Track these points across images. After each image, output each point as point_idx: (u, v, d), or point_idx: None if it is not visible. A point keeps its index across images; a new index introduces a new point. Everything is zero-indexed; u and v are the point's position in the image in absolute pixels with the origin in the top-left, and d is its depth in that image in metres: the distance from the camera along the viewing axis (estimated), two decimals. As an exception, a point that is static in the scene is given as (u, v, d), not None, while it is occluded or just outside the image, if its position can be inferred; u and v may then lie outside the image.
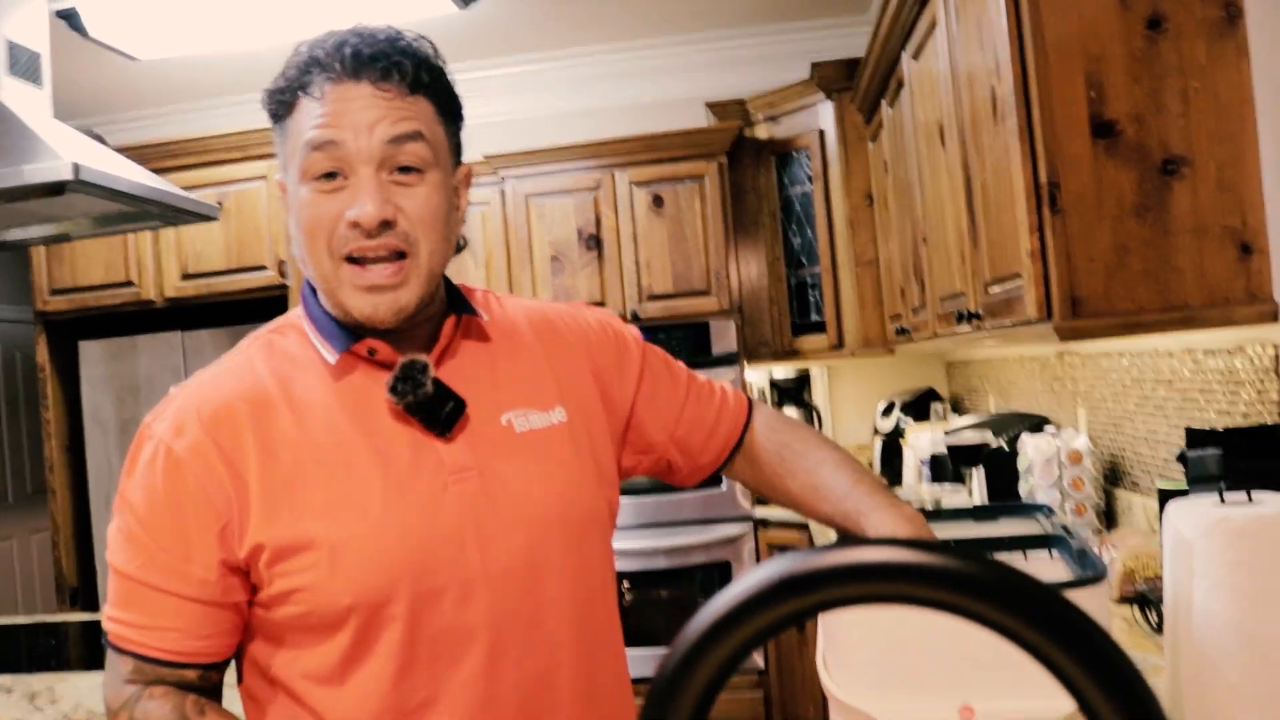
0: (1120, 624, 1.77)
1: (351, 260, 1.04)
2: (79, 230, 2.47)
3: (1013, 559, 1.20)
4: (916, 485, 3.32)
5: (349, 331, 1.08)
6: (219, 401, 1.05)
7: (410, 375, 1.05)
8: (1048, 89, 1.64)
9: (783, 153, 4.18)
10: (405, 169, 1.05)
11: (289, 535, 1.01)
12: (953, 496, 2.93)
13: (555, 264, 4.08)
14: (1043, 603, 0.37)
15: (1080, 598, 0.95)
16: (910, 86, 2.76)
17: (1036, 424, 2.73)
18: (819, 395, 4.47)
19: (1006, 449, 2.66)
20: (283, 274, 4.01)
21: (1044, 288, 1.66)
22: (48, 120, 2.17)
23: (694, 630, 0.39)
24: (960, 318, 2.25)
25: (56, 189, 1.94)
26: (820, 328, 4.08)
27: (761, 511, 3.86)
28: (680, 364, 1.32)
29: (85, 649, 2.49)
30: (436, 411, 1.06)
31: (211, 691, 1.07)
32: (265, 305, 4.07)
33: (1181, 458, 1.63)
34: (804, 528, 3.63)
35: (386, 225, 1.03)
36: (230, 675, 1.10)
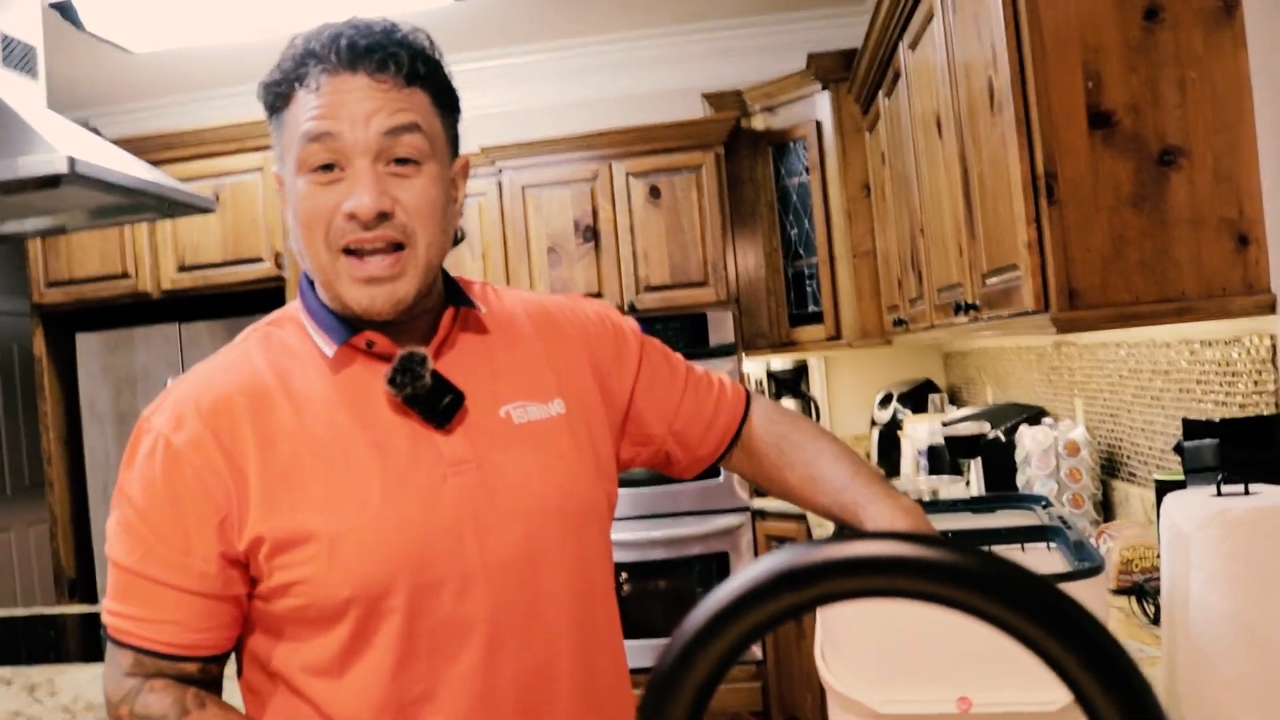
0: (1117, 615, 1.78)
1: (349, 252, 1.04)
2: (75, 222, 2.46)
3: (1010, 551, 1.20)
4: (914, 476, 3.32)
5: (347, 324, 1.08)
6: (217, 394, 1.05)
7: (409, 367, 1.05)
8: (1044, 80, 1.64)
9: (780, 143, 4.17)
10: (402, 161, 1.04)
11: (288, 528, 1.01)
12: (950, 487, 2.93)
13: (552, 255, 4.07)
14: (1040, 597, 0.38)
15: (1077, 589, 0.95)
16: (907, 77, 2.76)
17: (1034, 415, 2.73)
18: (816, 386, 4.48)
19: (1004, 440, 2.66)
20: (279, 266, 4.00)
21: (1041, 279, 1.66)
22: (43, 112, 2.17)
23: (693, 624, 0.39)
24: (957, 309, 2.26)
25: (52, 181, 1.94)
26: (817, 319, 4.08)
27: (759, 503, 3.87)
28: (678, 356, 1.32)
29: (84, 641, 2.49)
30: (435, 404, 1.06)
31: (212, 684, 1.07)
32: (262, 297, 4.07)
33: (1178, 448, 1.64)
34: (802, 519, 3.64)
35: (384, 217, 1.03)
36: (230, 668, 1.11)
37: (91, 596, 4.23)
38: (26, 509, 5.30)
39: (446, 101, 1.10)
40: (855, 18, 4.23)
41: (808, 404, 4.40)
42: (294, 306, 1.15)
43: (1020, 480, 2.48)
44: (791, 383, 4.44)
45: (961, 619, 0.39)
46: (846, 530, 1.20)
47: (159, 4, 3.36)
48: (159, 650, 1.03)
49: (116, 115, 4.76)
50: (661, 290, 4.01)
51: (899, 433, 3.74)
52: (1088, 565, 1.02)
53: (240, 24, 3.62)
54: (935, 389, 4.09)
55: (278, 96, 1.07)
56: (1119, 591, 1.87)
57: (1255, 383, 1.72)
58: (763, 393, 4.42)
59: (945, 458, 3.08)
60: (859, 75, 3.45)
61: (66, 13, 3.33)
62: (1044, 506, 1.37)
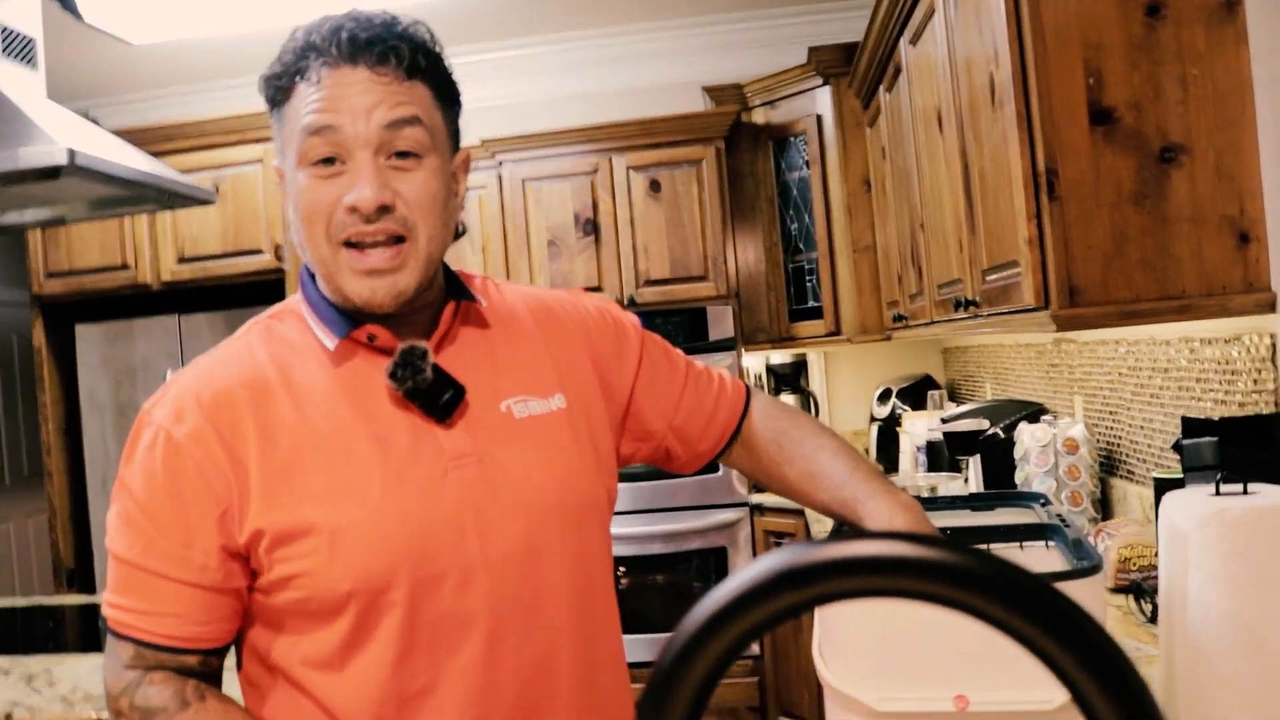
0: (1115, 614, 1.78)
1: (350, 245, 1.04)
2: (74, 213, 2.46)
3: (1008, 549, 1.20)
4: (912, 472, 3.33)
5: (348, 317, 1.08)
6: (218, 387, 1.05)
7: (410, 361, 1.05)
8: (1046, 76, 1.64)
9: (780, 138, 4.17)
10: (403, 154, 1.04)
11: (289, 521, 1.01)
12: (949, 484, 2.94)
13: (552, 249, 4.07)
14: (1037, 596, 0.38)
15: (1075, 588, 0.95)
16: (908, 72, 2.76)
17: (1033, 412, 2.73)
18: (816, 381, 4.48)
19: (1003, 437, 2.66)
20: (279, 258, 4.00)
21: (1041, 275, 1.66)
22: (43, 104, 2.16)
23: (693, 622, 0.40)
24: (957, 305, 2.25)
25: (52, 173, 1.94)
26: (817, 314, 4.08)
27: (758, 497, 3.87)
28: (679, 352, 1.32)
29: (82, 631, 2.49)
30: (436, 398, 1.06)
31: (212, 677, 1.07)
32: (261, 289, 4.07)
33: (1177, 447, 1.63)
34: (800, 514, 3.64)
35: (385, 210, 1.03)
36: (230, 660, 1.11)
37: (90, 587, 4.23)
38: (26, 500, 5.30)
39: (447, 95, 1.10)
40: (856, 12, 4.23)
41: (807, 399, 4.40)
42: (295, 300, 1.15)
43: (1019, 477, 2.48)
44: (791, 378, 4.44)
45: (959, 618, 0.39)
46: (845, 528, 1.20)
47: (159, -5, 3.35)
48: (159, 643, 1.03)
49: (116, 106, 4.76)
50: (661, 284, 4.01)
51: (898, 429, 3.74)
52: (1086, 564, 1.02)
53: (240, 15, 3.61)
54: (934, 385, 4.09)
55: (278, 90, 1.07)
56: (1117, 590, 1.87)
57: (1255, 381, 1.72)
58: (762, 388, 4.42)
59: (944, 454, 3.09)
60: (860, 70, 3.45)
61: (66, 4, 3.32)
62: (1042, 504, 1.37)
